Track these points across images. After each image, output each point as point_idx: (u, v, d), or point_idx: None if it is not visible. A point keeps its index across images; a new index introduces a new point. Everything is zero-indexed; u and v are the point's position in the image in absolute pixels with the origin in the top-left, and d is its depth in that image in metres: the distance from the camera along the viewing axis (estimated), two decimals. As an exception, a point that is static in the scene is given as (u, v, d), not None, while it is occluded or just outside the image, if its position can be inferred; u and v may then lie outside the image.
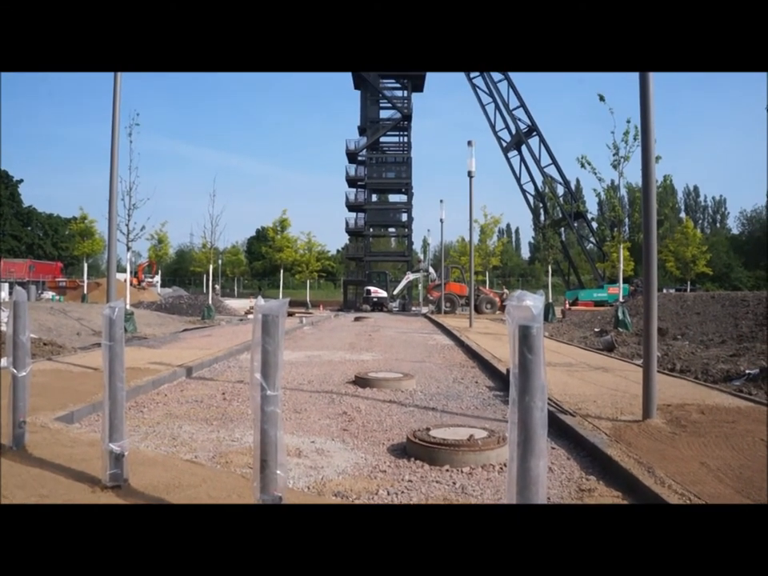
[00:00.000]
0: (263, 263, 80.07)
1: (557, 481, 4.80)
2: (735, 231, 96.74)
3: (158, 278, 57.01)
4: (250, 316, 27.93)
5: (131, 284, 27.38)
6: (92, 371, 9.14)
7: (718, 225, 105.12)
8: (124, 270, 23.76)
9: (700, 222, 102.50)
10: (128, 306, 19.20)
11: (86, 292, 41.15)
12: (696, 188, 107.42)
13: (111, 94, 11.39)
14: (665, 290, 42.02)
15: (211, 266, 32.34)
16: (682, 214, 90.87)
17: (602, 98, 18.48)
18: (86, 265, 43.53)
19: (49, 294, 46.32)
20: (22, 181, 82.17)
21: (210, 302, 30.20)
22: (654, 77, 6.21)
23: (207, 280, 33.26)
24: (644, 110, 6.20)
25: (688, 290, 44.56)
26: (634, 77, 6.47)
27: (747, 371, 9.72)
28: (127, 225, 19.43)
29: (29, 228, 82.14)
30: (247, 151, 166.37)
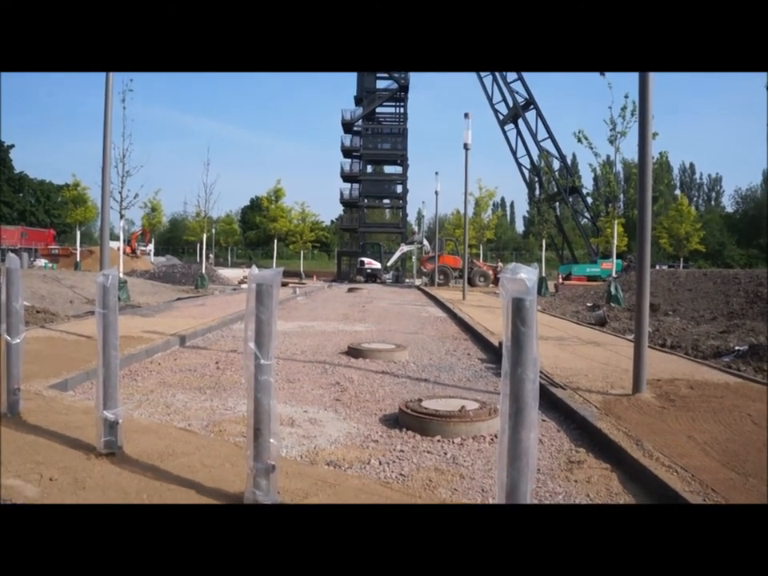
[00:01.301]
0: (257, 233, 79.84)
1: (547, 452, 4.86)
2: (729, 209, 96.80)
3: (151, 247, 56.70)
4: (244, 285, 27.97)
5: (124, 252, 27.24)
6: (85, 339, 9.15)
7: (712, 203, 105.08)
8: (117, 238, 23.63)
9: (695, 199, 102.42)
10: (121, 275, 19.15)
11: (78, 260, 40.95)
12: (692, 165, 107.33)
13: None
14: (657, 267, 42.13)
15: (205, 235, 32.23)
16: (677, 191, 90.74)
17: (602, 73, 18.36)
18: (78, 232, 43.27)
19: (41, 262, 46.07)
20: (13, 146, 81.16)
21: (204, 271, 30.18)
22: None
23: (201, 249, 33.25)
24: (642, 90, 6.16)
25: (681, 266, 44.68)
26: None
27: (737, 348, 9.81)
28: (120, 192, 19.33)
29: (20, 195, 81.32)
30: (242, 120, 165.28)
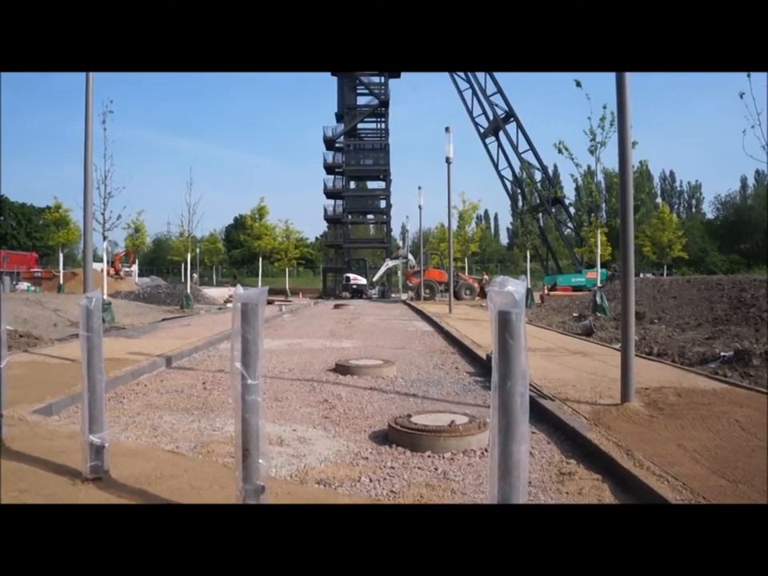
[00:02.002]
0: (242, 251, 79.84)
1: (537, 465, 4.85)
2: (710, 216, 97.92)
3: (135, 268, 56.42)
4: (229, 305, 27.89)
5: (108, 274, 27.06)
6: (70, 362, 9.05)
7: (693, 210, 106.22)
8: (100, 260, 23.53)
9: (676, 206, 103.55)
10: (105, 296, 19.02)
11: (62, 282, 40.68)
12: (672, 173, 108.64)
13: (84, 81, 11.22)
14: (642, 275, 42.35)
15: (189, 255, 32.10)
16: (659, 199, 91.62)
17: (578, 84, 18.50)
18: (61, 255, 43.03)
19: (24, 285, 45.69)
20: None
21: (189, 291, 30.02)
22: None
23: (185, 269, 33.04)
24: (620, 96, 6.22)
25: (664, 274, 45.00)
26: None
27: (722, 354, 9.87)
28: (103, 214, 19.21)
29: (1, 218, 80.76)
30: (224, 139, 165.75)
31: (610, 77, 6.45)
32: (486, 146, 49.81)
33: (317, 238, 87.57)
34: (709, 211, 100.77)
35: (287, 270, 50.54)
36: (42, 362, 9.28)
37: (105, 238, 19.97)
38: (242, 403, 3.19)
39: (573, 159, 19.96)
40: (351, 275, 47.91)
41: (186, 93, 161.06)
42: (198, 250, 56.62)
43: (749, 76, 9.31)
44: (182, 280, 39.56)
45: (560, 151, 19.98)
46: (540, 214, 48.55)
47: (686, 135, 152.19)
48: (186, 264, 32.71)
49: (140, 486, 3.97)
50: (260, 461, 3.22)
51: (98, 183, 18.68)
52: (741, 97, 9.43)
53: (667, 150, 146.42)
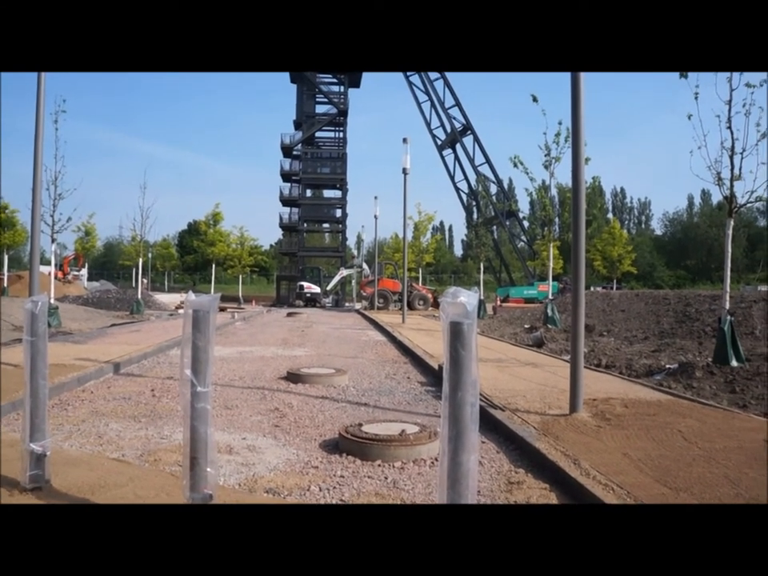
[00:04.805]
0: (195, 257, 78.73)
1: (487, 474, 4.88)
2: (658, 232, 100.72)
3: (84, 272, 55.16)
4: (181, 311, 27.48)
5: (56, 277, 26.39)
6: (12, 368, 8.77)
7: (642, 226, 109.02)
8: (48, 263, 22.89)
9: (626, 222, 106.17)
10: (52, 300, 18.54)
11: (6, 285, 39.50)
12: (623, 189, 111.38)
13: (35, 79, 10.95)
14: (592, 288, 43.27)
15: (141, 260, 31.55)
16: (610, 215, 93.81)
17: (535, 99, 18.72)
18: (6, 257, 41.82)
19: (-35, 288, 44.25)
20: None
21: (140, 296, 29.49)
22: (584, 78, 6.35)
23: (136, 274, 32.49)
24: (575, 112, 6.36)
25: (614, 288, 45.99)
26: (565, 77, 6.62)
27: (667, 366, 10.12)
28: (52, 216, 18.72)
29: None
30: (181, 142, 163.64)
31: (566, 96, 6.58)
32: (442, 158, 50.38)
33: (271, 246, 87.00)
34: (657, 228, 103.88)
35: (240, 277, 50.04)
36: (-17, 367, 8.98)
37: (53, 240, 19.47)
38: (191, 411, 3.15)
39: (528, 173, 20.24)
40: (305, 283, 47.68)
41: (141, 91, 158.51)
42: (150, 255, 55.69)
43: (696, 98, 9.64)
44: (133, 285, 38.92)
45: (515, 165, 20.21)
46: (494, 227, 49.17)
47: (637, 153, 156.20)
48: (137, 269, 32.15)
49: (82, 496, 3.88)
50: (208, 469, 3.18)
51: (48, 184, 18.23)
52: (689, 118, 9.74)
53: (619, 167, 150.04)
